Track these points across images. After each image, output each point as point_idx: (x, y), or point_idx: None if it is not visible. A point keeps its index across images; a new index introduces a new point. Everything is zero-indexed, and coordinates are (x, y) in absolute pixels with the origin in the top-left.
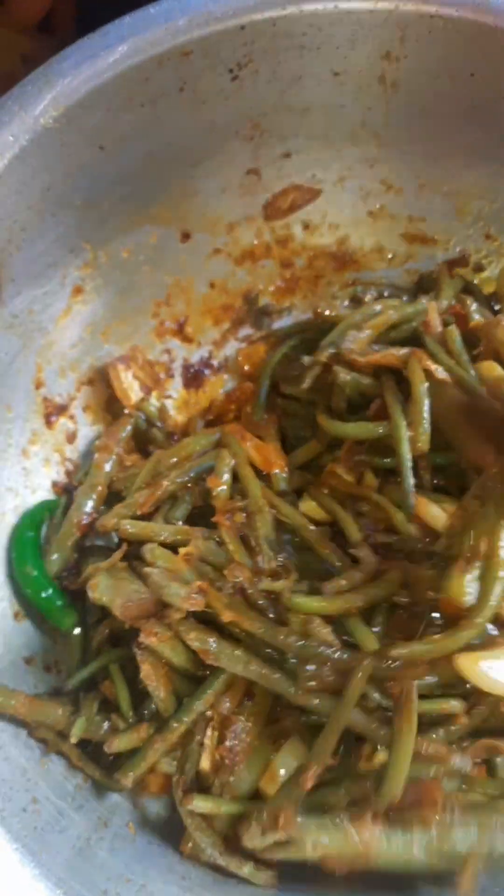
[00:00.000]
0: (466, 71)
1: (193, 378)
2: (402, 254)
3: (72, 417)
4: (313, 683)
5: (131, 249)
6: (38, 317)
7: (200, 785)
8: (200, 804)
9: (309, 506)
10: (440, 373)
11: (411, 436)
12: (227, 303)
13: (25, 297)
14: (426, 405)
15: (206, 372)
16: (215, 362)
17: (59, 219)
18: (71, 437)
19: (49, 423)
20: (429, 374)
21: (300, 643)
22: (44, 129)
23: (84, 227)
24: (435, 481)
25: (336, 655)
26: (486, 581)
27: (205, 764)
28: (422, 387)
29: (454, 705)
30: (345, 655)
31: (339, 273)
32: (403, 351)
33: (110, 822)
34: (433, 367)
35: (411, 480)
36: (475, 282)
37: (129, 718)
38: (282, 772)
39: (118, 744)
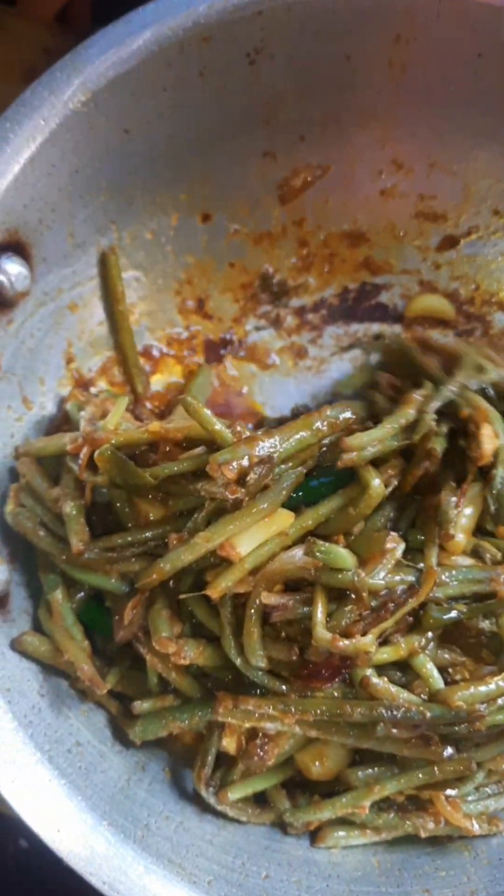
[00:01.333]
0: (474, 52)
1: (214, 354)
2: (414, 231)
3: (100, 392)
4: None
5: (154, 230)
6: (67, 294)
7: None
8: (238, 793)
9: None
10: None
11: None
12: (246, 281)
13: (56, 275)
14: None
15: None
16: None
17: (86, 200)
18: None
19: None
20: None
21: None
22: (72, 113)
23: (110, 208)
24: None
25: None
26: None
27: (229, 747)
28: None
29: None
30: None
31: (352, 251)
32: None
33: (147, 767)
34: None
35: None
36: None
37: (154, 687)
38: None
39: (141, 707)
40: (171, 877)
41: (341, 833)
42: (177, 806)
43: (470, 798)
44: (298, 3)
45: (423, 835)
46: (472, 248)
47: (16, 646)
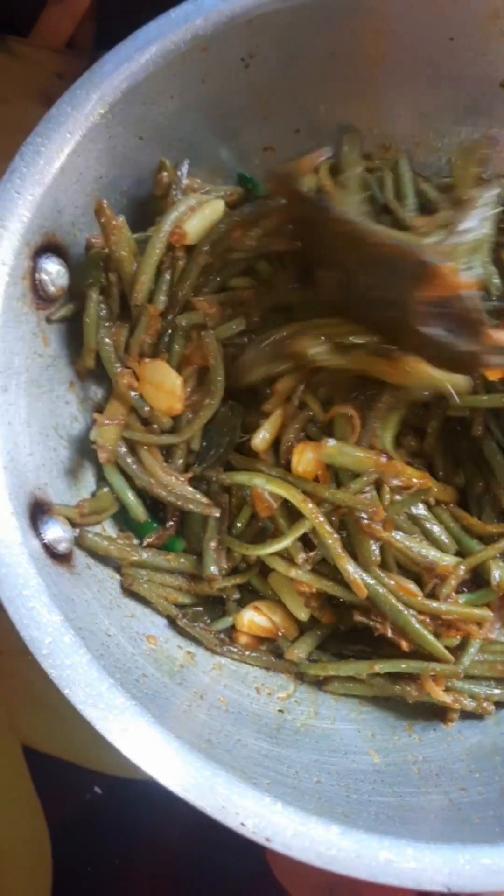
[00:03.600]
0: (446, 36)
1: None
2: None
3: None
4: None
5: None
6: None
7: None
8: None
9: None
10: None
11: None
12: None
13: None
14: None
15: None
16: None
17: (110, 203)
18: None
19: None
20: None
21: None
22: (93, 125)
23: (131, 210)
24: None
25: None
26: None
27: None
28: None
29: None
30: None
31: None
32: None
33: (205, 696)
34: None
35: None
36: None
37: None
38: None
39: None
40: (234, 779)
41: (347, 684)
42: (233, 727)
43: (458, 684)
44: (283, 9)
45: (409, 700)
46: None
47: (80, 542)
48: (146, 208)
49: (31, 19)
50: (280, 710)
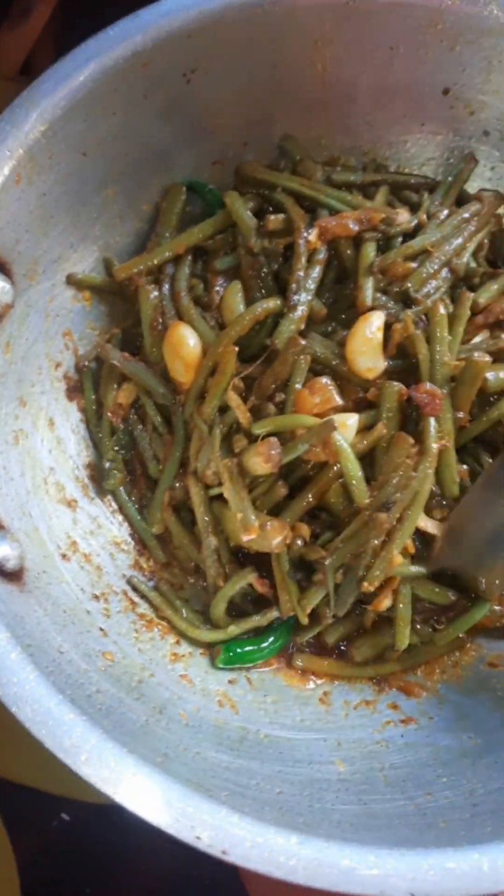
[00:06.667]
0: (387, 46)
1: None
2: None
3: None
4: None
5: (119, 243)
6: (48, 305)
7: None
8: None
9: None
10: None
11: None
12: None
13: (36, 289)
14: None
15: None
16: None
17: (56, 219)
18: None
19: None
20: None
21: None
22: (34, 142)
23: (78, 225)
24: None
25: None
26: None
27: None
28: None
29: None
30: None
31: None
32: None
33: (165, 710)
34: None
35: None
36: None
37: None
38: None
39: None
40: (190, 792)
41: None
42: (193, 741)
43: None
44: (220, 23)
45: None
46: None
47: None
48: (95, 223)
49: None
50: (242, 727)
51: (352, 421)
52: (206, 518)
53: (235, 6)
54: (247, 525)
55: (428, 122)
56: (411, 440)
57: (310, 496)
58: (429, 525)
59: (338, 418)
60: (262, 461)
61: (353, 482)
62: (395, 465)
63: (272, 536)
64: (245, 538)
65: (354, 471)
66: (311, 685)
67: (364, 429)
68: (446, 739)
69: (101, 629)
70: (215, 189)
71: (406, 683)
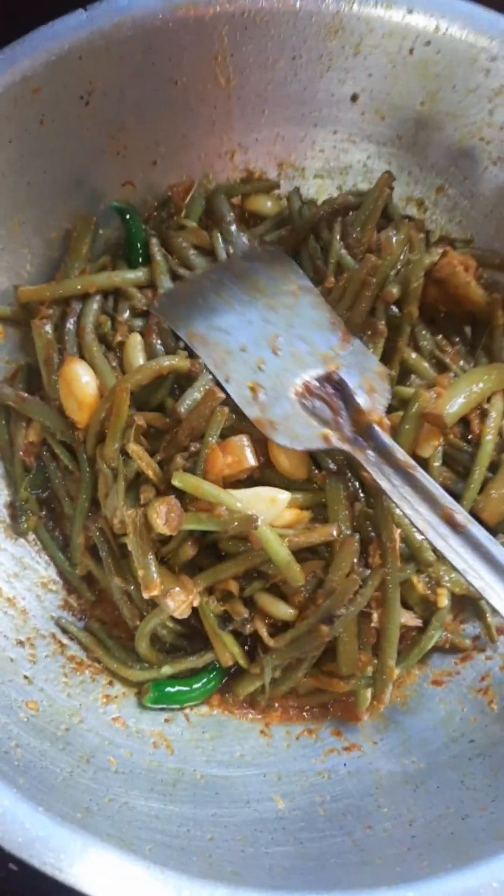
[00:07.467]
0: (289, 56)
1: None
2: None
3: None
4: None
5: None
6: None
7: None
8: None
9: None
10: None
11: None
12: None
13: None
14: None
15: None
16: None
17: None
18: None
19: None
20: None
21: None
22: None
23: None
24: None
25: None
26: None
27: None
28: None
29: None
30: None
31: None
32: None
33: (92, 759)
34: None
35: None
36: None
37: None
38: None
39: None
40: (110, 848)
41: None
42: (121, 789)
43: None
44: (113, 42)
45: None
46: None
47: None
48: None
49: None
50: (177, 768)
51: (283, 496)
52: (110, 561)
53: (127, 24)
54: (147, 583)
55: (340, 130)
56: (356, 546)
57: (234, 567)
58: None
59: (267, 493)
60: (160, 522)
61: (284, 568)
62: (342, 573)
63: (175, 597)
64: (146, 595)
65: (283, 559)
66: (251, 715)
67: (303, 507)
68: (389, 764)
69: (26, 676)
70: (135, 214)
71: (348, 705)
